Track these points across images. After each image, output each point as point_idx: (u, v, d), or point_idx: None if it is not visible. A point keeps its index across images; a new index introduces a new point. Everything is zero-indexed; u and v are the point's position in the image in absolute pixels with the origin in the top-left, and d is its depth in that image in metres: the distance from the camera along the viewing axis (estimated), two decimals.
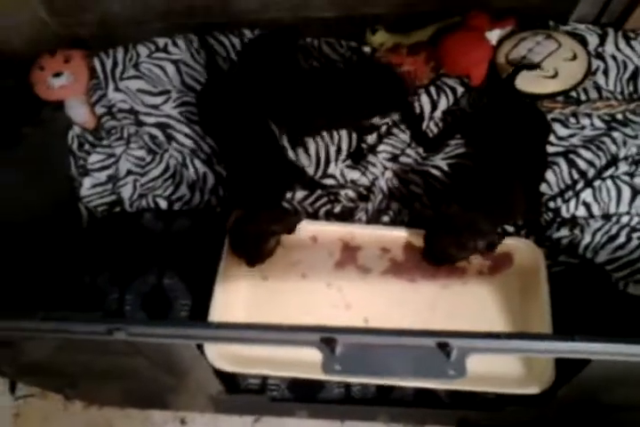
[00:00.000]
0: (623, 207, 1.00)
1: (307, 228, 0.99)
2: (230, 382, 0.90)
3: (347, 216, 1.05)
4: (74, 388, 0.96)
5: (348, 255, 1.00)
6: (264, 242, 0.93)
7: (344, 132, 1.10)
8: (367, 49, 1.16)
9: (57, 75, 1.15)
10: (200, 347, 0.79)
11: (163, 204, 1.08)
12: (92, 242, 1.05)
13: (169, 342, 0.68)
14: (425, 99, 1.10)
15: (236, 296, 0.95)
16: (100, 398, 1.04)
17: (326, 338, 0.59)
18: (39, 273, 0.98)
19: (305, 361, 0.85)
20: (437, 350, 0.58)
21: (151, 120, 1.14)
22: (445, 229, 0.90)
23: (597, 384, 0.71)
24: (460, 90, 1.11)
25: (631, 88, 1.11)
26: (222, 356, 0.86)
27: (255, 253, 0.94)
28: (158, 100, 1.15)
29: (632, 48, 1.13)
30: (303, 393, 0.92)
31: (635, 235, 0.98)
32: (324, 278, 0.98)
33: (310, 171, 1.08)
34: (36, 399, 1.10)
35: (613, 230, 0.98)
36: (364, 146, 1.09)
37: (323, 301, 0.96)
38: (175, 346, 0.69)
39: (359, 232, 1.00)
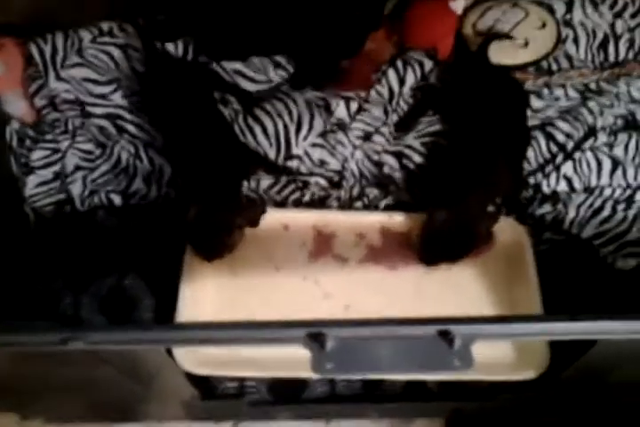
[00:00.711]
0: (604, 179, 0.97)
1: (276, 216, 0.93)
2: (205, 386, 0.83)
3: (317, 204, 0.99)
4: (31, 405, 0.88)
5: (323, 244, 0.94)
6: (226, 235, 0.86)
7: (303, 107, 1.03)
8: None
9: None
10: (169, 350, 0.71)
11: (117, 200, 1.00)
12: (41, 245, 0.96)
13: (134, 349, 0.62)
14: (392, 74, 1.04)
15: (204, 294, 0.88)
16: (62, 415, 0.96)
17: (314, 333, 0.52)
18: None
19: (288, 358, 0.77)
20: (439, 339, 0.53)
21: (99, 111, 1.05)
22: (441, 241, 0.87)
23: (601, 366, 0.67)
24: (427, 64, 1.05)
25: (602, 56, 1.08)
26: (192, 358, 0.79)
27: (216, 247, 0.87)
28: (106, 89, 1.05)
29: (600, 14, 1.10)
30: (285, 394, 0.86)
31: (619, 207, 0.94)
32: (298, 271, 0.92)
33: (272, 153, 1.01)
34: None
35: (597, 204, 0.94)
36: (333, 120, 1.03)
37: (299, 294, 0.90)
38: (141, 352, 0.61)
39: (332, 218, 0.95)
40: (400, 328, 0.54)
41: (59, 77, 1.06)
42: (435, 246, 0.88)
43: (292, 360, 0.78)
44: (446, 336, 0.52)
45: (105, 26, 1.09)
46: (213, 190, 0.89)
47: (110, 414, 0.93)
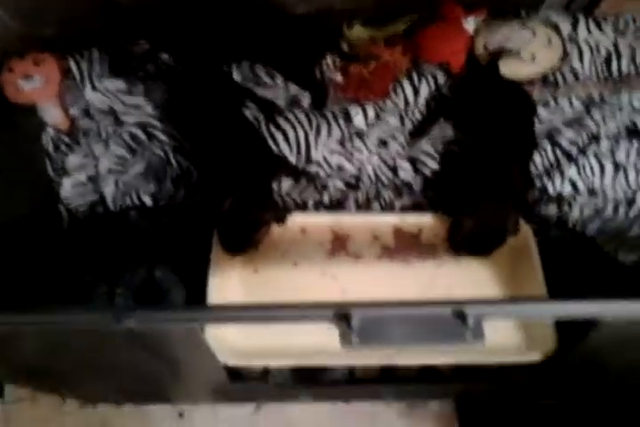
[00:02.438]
0: (607, 182, 1.03)
1: (295, 219, 0.98)
2: (232, 370, 0.88)
3: (336, 206, 1.05)
4: (69, 386, 0.93)
5: (339, 245, 0.99)
6: (254, 230, 0.92)
7: (323, 116, 1.09)
8: (344, 46, 1.16)
9: (27, 77, 1.12)
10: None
11: (147, 201, 1.06)
12: (75, 243, 1.02)
13: (171, 332, 0.67)
14: (407, 85, 1.11)
15: (230, 290, 0.94)
16: (97, 396, 1.01)
17: (341, 313, 0.58)
18: (21, 276, 0.94)
19: (310, 348, 0.86)
20: (453, 317, 0.58)
21: (131, 120, 1.11)
22: (474, 242, 0.92)
23: (604, 348, 0.71)
24: (441, 77, 1.12)
25: (606, 71, 1.14)
26: (226, 350, 0.84)
27: (243, 240, 0.92)
28: (139, 100, 1.13)
29: (603, 33, 1.16)
30: (306, 377, 0.91)
31: (621, 207, 1.00)
32: (316, 267, 0.97)
33: (293, 159, 1.08)
34: (26, 403, 1.06)
35: (600, 204, 1.00)
36: (351, 129, 1.09)
37: (318, 288, 0.95)
38: (181, 333, 0.66)
39: (348, 221, 1.00)
40: (419, 309, 0.59)
41: (94, 89, 1.13)
42: (469, 246, 0.93)
43: (314, 350, 0.86)
44: (460, 315, 0.58)
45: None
46: (247, 186, 0.95)
47: (141, 396, 0.98)
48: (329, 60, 1.14)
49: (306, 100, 1.13)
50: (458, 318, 0.58)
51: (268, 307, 0.59)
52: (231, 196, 0.93)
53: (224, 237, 0.92)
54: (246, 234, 0.92)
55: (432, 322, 0.58)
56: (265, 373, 0.91)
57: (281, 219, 0.94)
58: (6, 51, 1.16)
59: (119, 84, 1.14)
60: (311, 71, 1.14)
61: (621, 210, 1.00)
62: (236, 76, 1.14)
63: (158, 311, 0.59)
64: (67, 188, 1.08)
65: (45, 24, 1.17)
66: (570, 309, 0.58)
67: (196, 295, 0.90)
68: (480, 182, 0.95)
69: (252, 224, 0.91)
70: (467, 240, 0.93)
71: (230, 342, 0.88)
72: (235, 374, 0.89)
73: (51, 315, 0.60)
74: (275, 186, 1.05)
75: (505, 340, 0.88)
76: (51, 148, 1.12)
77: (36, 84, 1.12)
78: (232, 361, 0.85)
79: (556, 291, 0.88)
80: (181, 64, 1.14)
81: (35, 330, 0.63)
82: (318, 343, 0.84)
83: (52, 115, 1.13)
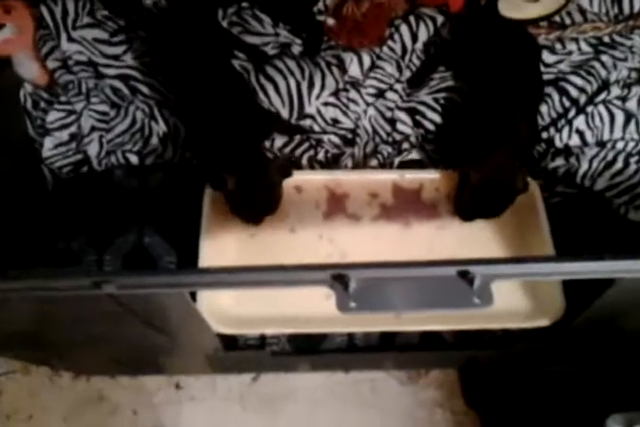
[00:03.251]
0: (617, 133, 0.97)
1: (288, 179, 0.93)
2: (227, 338, 0.85)
3: (331, 162, 1.00)
4: (61, 358, 0.91)
5: (336, 204, 0.95)
6: (277, 192, 0.89)
7: (315, 65, 1.03)
8: None
9: None
10: (193, 296, 0.74)
11: (134, 159, 1.01)
12: (60, 205, 0.98)
13: (160, 297, 0.63)
14: (405, 30, 1.04)
15: (225, 255, 0.90)
16: (90, 367, 0.99)
17: (337, 275, 0.54)
18: (6, 241, 0.90)
19: (307, 315, 0.83)
20: (459, 278, 0.54)
21: (112, 72, 1.05)
22: (482, 199, 0.87)
23: (617, 310, 0.68)
24: (439, 19, 1.05)
25: (616, 9, 1.07)
26: (218, 317, 0.82)
27: (265, 210, 0.89)
28: (118, 49, 1.06)
29: None
30: (304, 345, 0.88)
31: (632, 160, 0.95)
32: (314, 231, 0.93)
33: (285, 113, 1.02)
34: (19, 375, 1.04)
35: (610, 157, 0.95)
36: (346, 79, 1.03)
37: (316, 253, 0.92)
38: (167, 301, 0.63)
39: (344, 179, 0.96)
40: (421, 269, 0.55)
41: (70, 39, 1.06)
42: (476, 204, 0.89)
43: (313, 316, 0.83)
44: (466, 276, 0.54)
45: None
46: (241, 156, 0.88)
47: (135, 366, 0.96)
48: (321, 1, 1.07)
49: (297, 47, 1.06)
50: (463, 280, 0.54)
51: (259, 270, 0.54)
52: (228, 170, 0.87)
53: (244, 213, 0.88)
54: (266, 203, 0.88)
55: (435, 284, 0.54)
56: (262, 341, 0.88)
57: (287, 173, 0.89)
58: None
59: (97, 32, 1.06)
60: (303, 14, 1.06)
61: (632, 163, 0.94)
62: (223, 22, 1.07)
63: (139, 276, 0.55)
64: (48, 147, 1.02)
65: None
66: (579, 268, 0.54)
67: (188, 262, 0.87)
68: (484, 134, 0.89)
69: (267, 192, 0.87)
70: (475, 202, 0.88)
71: (223, 310, 0.85)
72: (231, 343, 0.86)
73: (29, 280, 0.56)
74: (267, 143, 1.00)
75: (511, 304, 0.85)
76: (29, 105, 1.06)
77: (7, 34, 1.05)
78: (225, 329, 0.82)
79: (564, 250, 0.85)
80: (165, 10, 1.07)
81: (16, 297, 0.59)
82: (315, 309, 0.81)
83: (29, 68, 1.06)
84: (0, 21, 1.05)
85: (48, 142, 1.03)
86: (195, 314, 0.69)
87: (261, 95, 1.01)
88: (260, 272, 0.54)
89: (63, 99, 1.04)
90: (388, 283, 0.55)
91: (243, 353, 0.87)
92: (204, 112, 0.93)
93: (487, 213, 0.89)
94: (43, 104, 1.05)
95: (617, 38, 1.03)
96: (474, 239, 0.92)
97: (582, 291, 0.66)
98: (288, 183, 0.93)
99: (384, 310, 0.54)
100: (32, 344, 0.82)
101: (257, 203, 0.87)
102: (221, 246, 0.90)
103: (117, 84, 1.04)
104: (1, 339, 0.79)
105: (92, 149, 1.01)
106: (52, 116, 1.04)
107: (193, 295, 0.77)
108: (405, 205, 0.94)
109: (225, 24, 1.08)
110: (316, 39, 1.06)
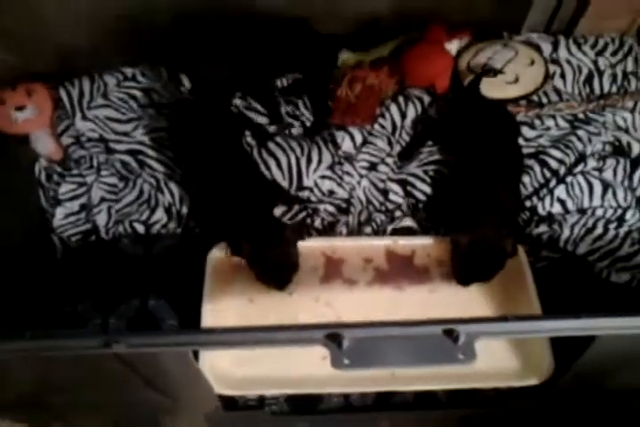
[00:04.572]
0: (596, 201, 1.03)
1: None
2: (227, 398, 0.87)
3: (328, 230, 1.05)
4: (62, 420, 0.91)
5: (333, 269, 1.00)
6: (294, 254, 0.94)
7: (313, 142, 1.11)
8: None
9: (20, 108, 1.14)
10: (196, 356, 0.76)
11: (140, 228, 1.06)
12: (68, 272, 1.02)
13: (165, 358, 0.66)
14: (394, 109, 1.13)
15: (225, 319, 0.93)
16: None
17: (332, 334, 0.58)
18: (15, 306, 0.94)
19: (305, 376, 0.86)
20: (444, 337, 0.58)
21: (122, 147, 1.13)
22: (474, 263, 0.92)
23: (601, 367, 0.70)
24: (426, 99, 1.14)
25: (588, 89, 1.17)
26: (219, 378, 0.84)
27: (287, 274, 0.94)
28: (128, 127, 1.14)
29: (584, 53, 1.19)
30: (303, 405, 0.90)
31: (611, 226, 1.00)
32: (311, 294, 0.97)
33: (285, 185, 1.08)
34: None
35: (590, 223, 1.00)
36: (340, 153, 1.10)
37: (313, 315, 0.95)
38: (172, 359, 0.66)
39: (340, 245, 1.01)
40: (409, 328, 0.59)
41: (84, 117, 1.15)
42: (469, 270, 0.93)
43: (310, 378, 0.86)
44: (451, 334, 0.57)
45: (128, 71, 1.19)
46: (257, 223, 0.94)
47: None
48: None
49: (297, 128, 1.15)
50: (449, 338, 0.58)
51: (257, 330, 0.58)
52: (245, 238, 0.92)
53: (267, 277, 0.93)
54: (288, 266, 0.93)
55: (423, 342, 0.58)
56: (261, 401, 0.90)
57: (302, 236, 0.96)
58: (0, 84, 1.18)
59: (109, 112, 1.15)
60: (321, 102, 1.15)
61: (611, 229, 1.00)
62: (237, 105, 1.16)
63: (147, 336, 0.58)
64: (59, 217, 1.08)
65: (42, 59, 1.19)
66: (558, 325, 0.58)
67: (190, 325, 0.90)
68: (471, 205, 0.95)
69: (289, 254, 0.93)
70: (467, 268, 0.93)
71: (225, 371, 0.87)
72: (230, 403, 0.88)
73: (41, 341, 0.60)
74: None
75: (501, 364, 0.88)
76: (43, 178, 1.12)
77: (28, 115, 1.14)
78: (226, 391, 0.84)
79: (551, 311, 0.88)
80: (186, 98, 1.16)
81: (29, 357, 0.62)
82: (313, 371, 0.85)
83: (45, 144, 1.14)
84: (22, 103, 1.14)
85: (59, 212, 1.08)
86: (197, 374, 0.71)
87: (264, 169, 1.08)
88: (258, 332, 0.58)
89: (75, 172, 1.11)
90: (379, 341, 0.58)
91: (242, 413, 0.89)
92: (218, 184, 1.00)
93: (479, 277, 0.94)
94: (56, 177, 1.12)
95: (591, 115, 1.12)
96: (464, 302, 0.96)
97: (569, 350, 0.69)
98: None
99: (376, 367, 0.57)
100: (34, 406, 0.83)
101: (278, 266, 0.92)
102: (222, 311, 0.93)
103: (127, 158, 1.12)
104: (4, 400, 0.80)
105: (101, 219, 1.07)
106: (64, 187, 1.10)
107: (196, 357, 0.81)
108: (398, 270, 0.99)
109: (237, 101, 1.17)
110: (316, 122, 1.15)
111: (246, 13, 1.12)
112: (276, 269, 0.92)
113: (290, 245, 0.93)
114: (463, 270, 0.94)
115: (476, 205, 0.95)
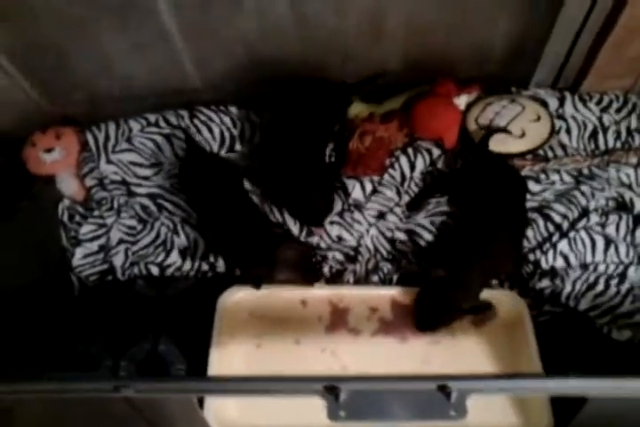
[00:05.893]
0: (599, 256, 1.05)
1: (295, 292, 1.02)
2: None
3: (335, 277, 1.08)
4: None
5: (338, 318, 1.02)
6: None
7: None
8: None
9: (48, 150, 1.20)
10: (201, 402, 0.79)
11: (155, 270, 1.10)
12: (84, 310, 1.06)
13: (170, 404, 0.69)
14: (404, 160, 1.17)
15: (232, 365, 0.96)
16: None
17: (329, 386, 0.60)
18: (31, 342, 0.98)
19: (307, 425, 0.86)
20: (438, 393, 0.60)
21: (142, 191, 1.18)
22: (435, 295, 0.96)
23: (598, 424, 0.72)
24: (435, 151, 1.18)
25: (592, 145, 1.20)
26: (223, 425, 0.86)
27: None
28: (149, 171, 1.20)
29: (589, 109, 1.23)
30: None
31: (612, 282, 1.02)
32: (317, 344, 1.00)
33: (295, 231, 1.12)
34: None
35: (592, 279, 1.02)
36: (350, 201, 1.14)
37: (319, 364, 0.97)
38: (178, 405, 0.69)
39: (347, 293, 1.04)
40: (404, 383, 0.61)
41: (109, 161, 1.21)
42: (420, 314, 0.97)
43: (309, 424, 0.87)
44: (444, 390, 0.60)
45: (152, 117, 1.25)
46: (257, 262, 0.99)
47: None
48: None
49: None
50: (442, 393, 0.60)
51: (259, 380, 0.61)
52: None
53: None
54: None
55: (417, 397, 0.61)
56: None
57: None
58: (30, 126, 1.25)
59: (133, 156, 1.21)
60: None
61: (613, 285, 1.01)
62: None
63: (153, 382, 0.62)
64: (78, 257, 1.13)
65: (72, 103, 1.27)
66: (550, 385, 0.60)
67: (198, 369, 0.93)
68: (472, 255, 0.98)
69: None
70: (419, 313, 0.98)
71: (229, 420, 0.89)
72: None
73: (52, 383, 0.63)
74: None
75: (501, 421, 0.89)
76: (66, 217, 1.18)
77: (56, 157, 1.20)
78: None
79: (552, 366, 0.89)
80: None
81: (37, 399, 0.66)
82: (313, 421, 0.83)
83: (69, 185, 1.20)
84: (51, 146, 1.21)
85: (78, 252, 1.13)
86: (200, 421, 0.74)
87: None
88: (258, 382, 0.61)
89: (96, 213, 1.16)
90: (375, 395, 0.61)
91: None
92: (222, 229, 1.05)
93: (426, 326, 0.97)
94: (77, 217, 1.17)
95: (595, 170, 1.15)
96: (465, 354, 0.98)
97: (568, 408, 0.70)
98: (294, 297, 1.02)
99: (371, 420, 0.59)
100: None
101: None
102: (229, 356, 0.96)
103: (146, 201, 1.17)
104: None
105: (118, 260, 1.11)
106: (86, 228, 1.15)
107: (201, 403, 0.83)
108: (403, 320, 1.01)
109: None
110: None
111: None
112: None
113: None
114: (417, 314, 0.98)
115: (474, 256, 0.98)
